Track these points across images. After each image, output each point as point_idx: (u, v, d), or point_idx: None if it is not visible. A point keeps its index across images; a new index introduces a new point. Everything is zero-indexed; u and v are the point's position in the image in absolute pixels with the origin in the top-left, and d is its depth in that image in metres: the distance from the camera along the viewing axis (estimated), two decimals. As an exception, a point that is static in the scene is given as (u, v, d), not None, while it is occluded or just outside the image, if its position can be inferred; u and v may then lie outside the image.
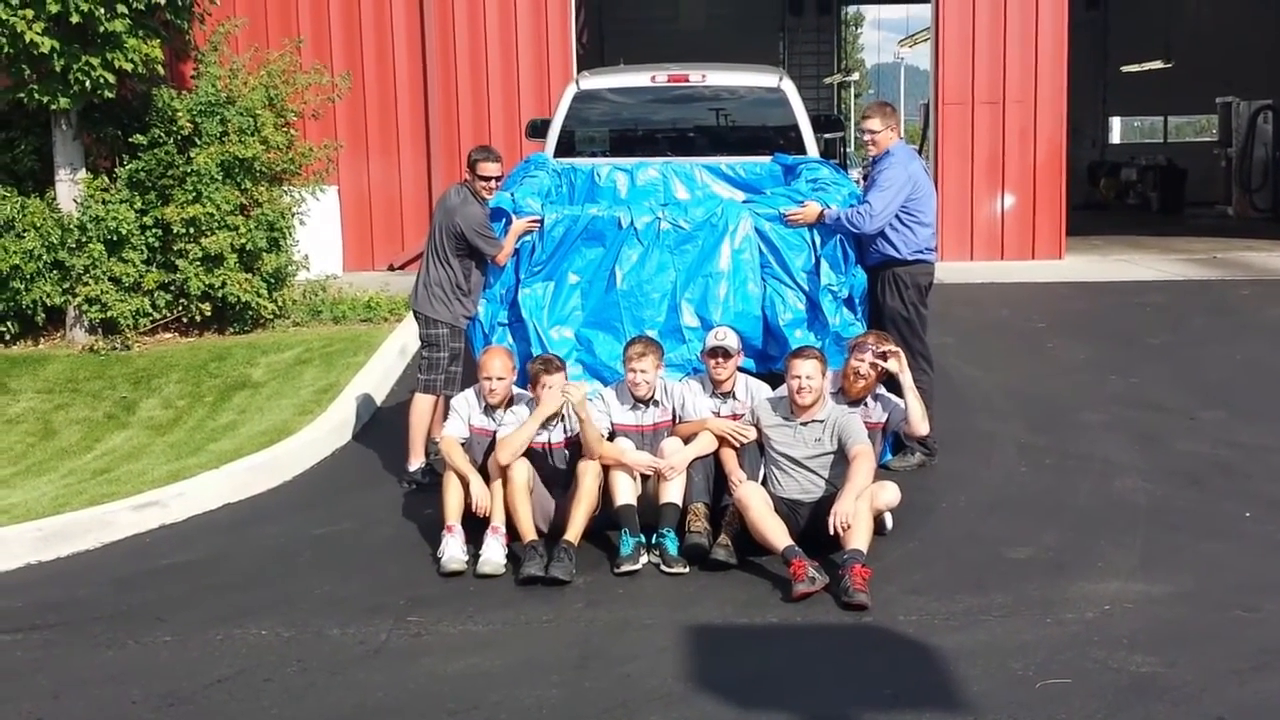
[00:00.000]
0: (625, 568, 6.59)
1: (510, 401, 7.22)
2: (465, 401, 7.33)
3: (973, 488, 7.82)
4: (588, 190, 10.11)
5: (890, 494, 6.96)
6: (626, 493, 6.87)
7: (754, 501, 6.60)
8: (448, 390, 8.14)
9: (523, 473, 6.79)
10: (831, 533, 6.39)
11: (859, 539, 6.33)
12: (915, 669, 5.48)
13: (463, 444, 7.16)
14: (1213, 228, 21.45)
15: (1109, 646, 5.59)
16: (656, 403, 7.26)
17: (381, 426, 9.67)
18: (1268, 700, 5.16)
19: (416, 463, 8.18)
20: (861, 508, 6.44)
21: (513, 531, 6.77)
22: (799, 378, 6.90)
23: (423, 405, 8.21)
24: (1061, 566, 6.54)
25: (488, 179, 8.22)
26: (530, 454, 6.99)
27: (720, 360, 7.27)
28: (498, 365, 7.21)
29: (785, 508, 6.70)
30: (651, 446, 7.11)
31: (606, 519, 6.95)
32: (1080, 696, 5.14)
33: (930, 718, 5.00)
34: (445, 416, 7.66)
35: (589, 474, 6.78)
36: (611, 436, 7.13)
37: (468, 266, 8.14)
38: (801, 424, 6.92)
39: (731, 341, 7.30)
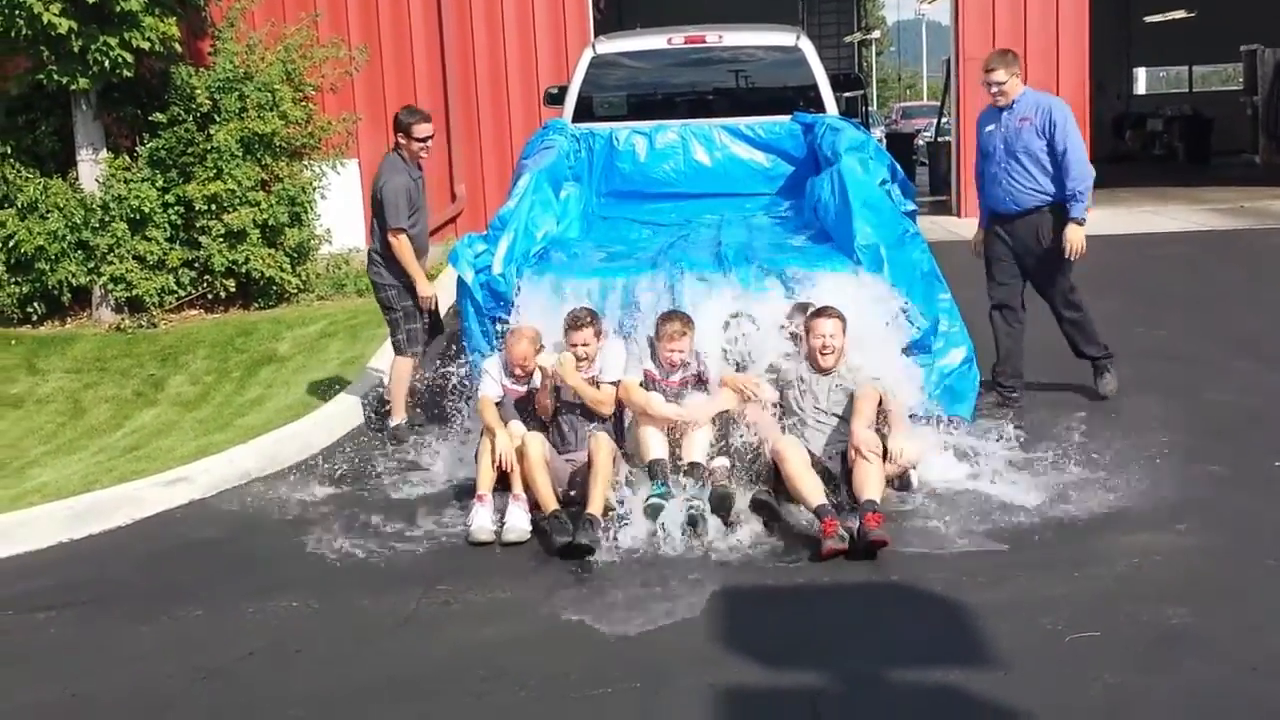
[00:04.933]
0: (654, 500, 6.59)
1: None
2: (495, 364, 7.37)
3: (1000, 442, 7.78)
4: (606, 155, 10.09)
5: (912, 452, 6.96)
6: (658, 448, 6.86)
7: (792, 454, 6.58)
8: (413, 347, 8.54)
9: (537, 447, 6.81)
10: (850, 462, 6.47)
11: (872, 489, 6.37)
12: (944, 627, 5.47)
13: (498, 403, 7.20)
14: (1240, 177, 21.27)
15: (1139, 600, 5.56)
16: (685, 363, 7.24)
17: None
18: (1300, 650, 5.13)
19: (397, 419, 8.56)
20: (873, 462, 6.46)
21: (534, 503, 6.78)
22: (822, 336, 6.89)
23: (400, 366, 8.60)
24: (1090, 520, 6.51)
25: (423, 139, 8.53)
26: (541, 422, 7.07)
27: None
28: (521, 350, 7.19)
29: (817, 467, 6.68)
30: (676, 403, 7.08)
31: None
32: (1110, 650, 5.12)
33: (960, 674, 4.99)
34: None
35: (602, 449, 6.75)
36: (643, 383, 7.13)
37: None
38: (822, 374, 6.93)
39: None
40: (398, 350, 8.61)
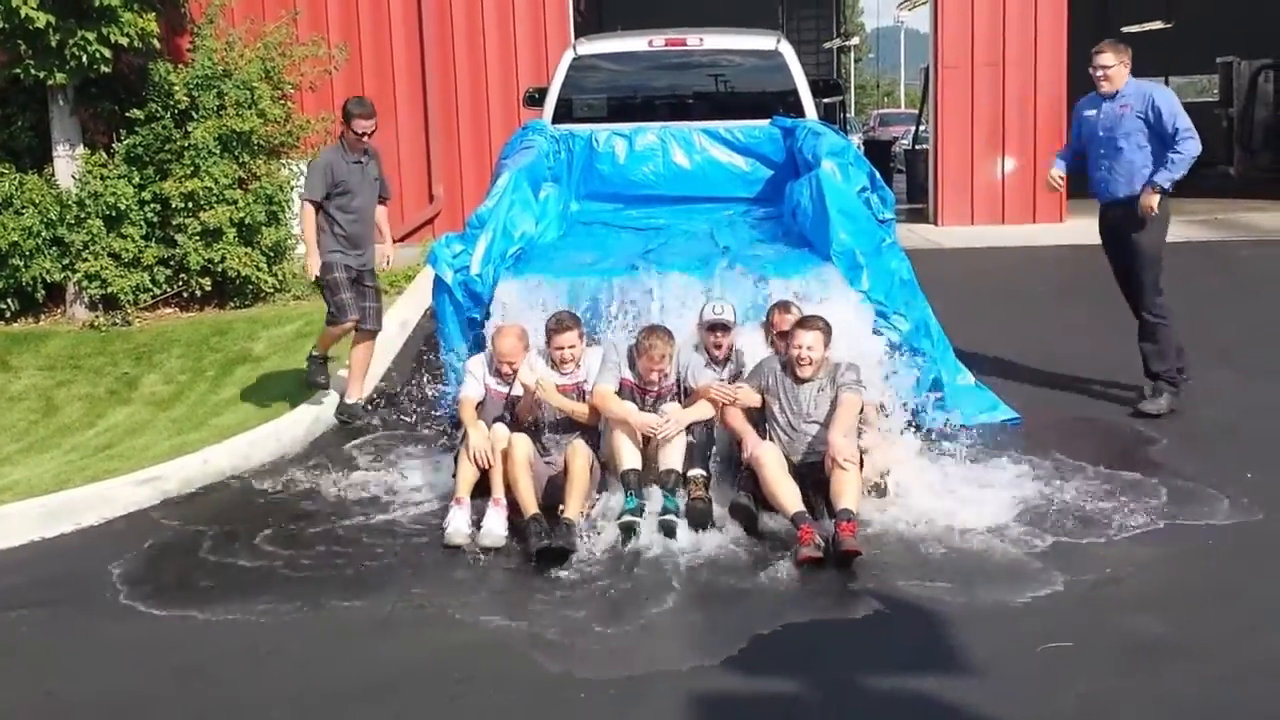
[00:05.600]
0: (627, 518, 6.57)
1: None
2: (479, 364, 7.35)
3: (972, 453, 7.78)
4: (585, 156, 10.09)
5: (885, 457, 6.98)
6: (631, 458, 6.85)
7: (769, 460, 6.58)
8: (343, 317, 8.75)
9: (522, 449, 6.78)
10: (827, 470, 6.46)
11: (849, 498, 6.35)
12: (917, 635, 5.48)
13: (480, 404, 7.21)
14: (1214, 189, 21.30)
15: (1114, 609, 5.59)
16: (665, 376, 7.22)
17: (382, 399, 9.66)
18: (1276, 660, 5.15)
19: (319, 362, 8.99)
20: (849, 470, 6.44)
21: (514, 507, 6.75)
22: (800, 348, 6.89)
23: (327, 335, 8.96)
24: (1064, 530, 6.53)
25: (360, 134, 8.69)
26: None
27: (720, 334, 7.24)
28: (509, 347, 7.20)
29: (796, 474, 6.68)
30: (653, 411, 7.07)
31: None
32: (1084, 659, 5.14)
33: (933, 683, 5.00)
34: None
35: (579, 457, 6.75)
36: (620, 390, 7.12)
37: (325, 212, 8.69)
38: (801, 380, 6.93)
39: (729, 315, 7.25)
40: (328, 321, 8.89)
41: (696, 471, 6.85)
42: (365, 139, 8.74)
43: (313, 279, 8.84)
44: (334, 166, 8.68)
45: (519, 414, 7.11)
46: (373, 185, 8.91)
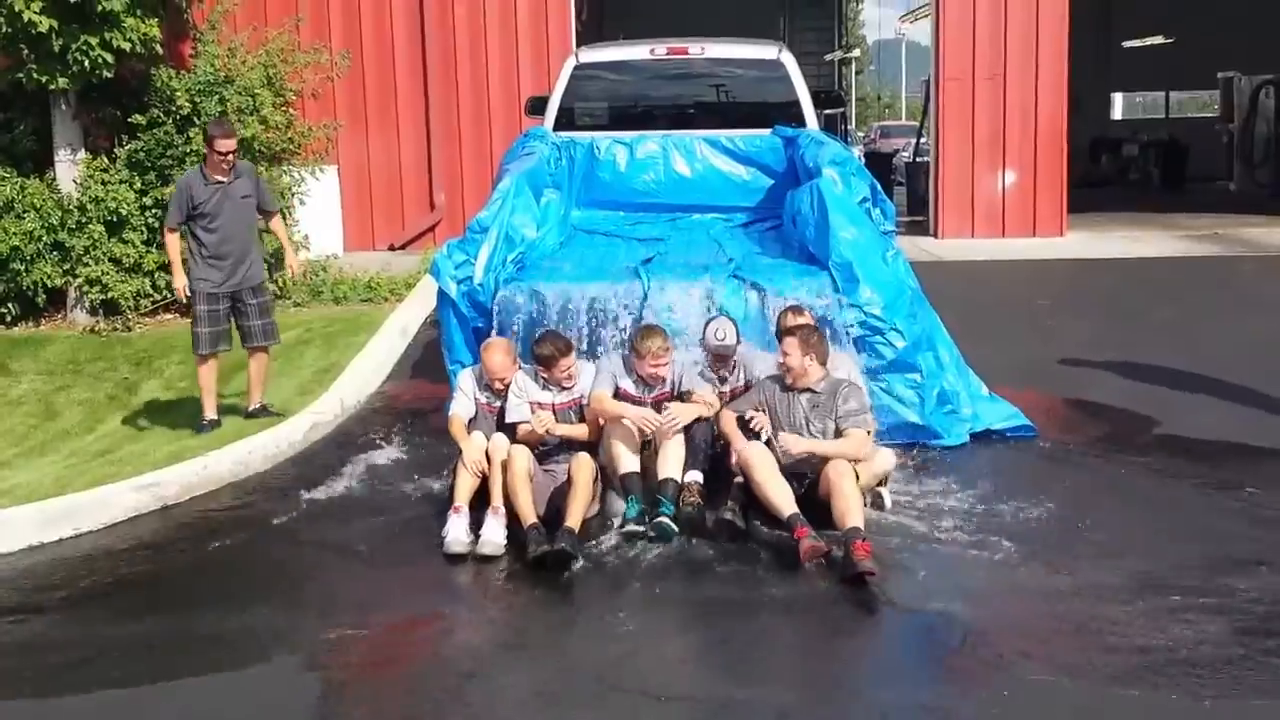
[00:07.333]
0: (631, 527, 6.59)
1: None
2: (469, 379, 7.34)
3: (971, 466, 7.79)
4: (587, 164, 10.09)
5: (882, 462, 6.97)
6: (629, 461, 6.86)
7: (759, 462, 6.55)
8: (199, 349, 8.86)
9: (522, 460, 6.76)
10: (825, 493, 6.43)
11: (854, 516, 6.27)
12: (909, 646, 5.49)
13: (471, 420, 7.19)
14: (1214, 204, 21.39)
15: (1108, 623, 5.57)
16: (664, 378, 7.21)
17: (382, 407, 9.66)
18: (1276, 673, 5.14)
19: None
20: (849, 486, 6.39)
21: (513, 517, 6.73)
22: (779, 353, 6.94)
23: (200, 378, 9.07)
24: (1060, 543, 6.53)
25: (224, 153, 8.78)
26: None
27: (722, 360, 7.24)
28: (498, 363, 7.19)
29: (786, 475, 6.65)
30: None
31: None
32: (1080, 673, 5.13)
33: (926, 694, 5.00)
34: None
35: (584, 469, 6.73)
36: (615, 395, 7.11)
37: (192, 234, 8.88)
38: (793, 390, 6.89)
39: (731, 339, 7.20)
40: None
41: (693, 477, 6.85)
42: (229, 159, 8.80)
43: (183, 299, 9.00)
44: (192, 190, 8.79)
45: (520, 439, 7.06)
46: (240, 205, 8.96)
